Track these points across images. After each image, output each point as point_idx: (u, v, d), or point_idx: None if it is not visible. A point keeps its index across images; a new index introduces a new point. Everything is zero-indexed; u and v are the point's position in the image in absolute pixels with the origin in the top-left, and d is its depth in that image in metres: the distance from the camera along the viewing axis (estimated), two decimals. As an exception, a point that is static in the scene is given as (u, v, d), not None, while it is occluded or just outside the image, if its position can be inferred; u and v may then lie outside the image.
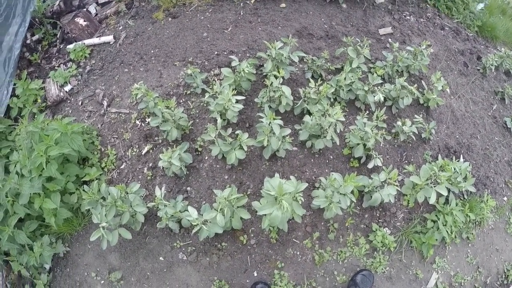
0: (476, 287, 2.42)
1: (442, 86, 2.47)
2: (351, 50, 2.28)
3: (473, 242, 2.48)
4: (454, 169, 2.25)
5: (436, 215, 2.32)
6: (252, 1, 2.77)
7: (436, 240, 2.25)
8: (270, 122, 1.84)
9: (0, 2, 2.53)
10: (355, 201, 1.95)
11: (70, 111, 2.55)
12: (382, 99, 2.18)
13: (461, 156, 2.57)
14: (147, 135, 2.25)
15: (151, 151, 2.22)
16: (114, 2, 3.07)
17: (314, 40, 2.58)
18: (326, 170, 2.14)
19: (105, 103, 2.46)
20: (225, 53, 2.42)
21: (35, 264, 2.05)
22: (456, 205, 2.36)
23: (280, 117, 1.87)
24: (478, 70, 3.12)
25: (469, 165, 2.33)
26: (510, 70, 3.32)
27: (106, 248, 1.88)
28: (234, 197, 1.75)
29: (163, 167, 2.11)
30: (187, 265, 2.01)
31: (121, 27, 2.84)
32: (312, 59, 2.34)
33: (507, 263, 2.59)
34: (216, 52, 2.44)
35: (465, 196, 2.51)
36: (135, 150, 2.24)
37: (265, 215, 1.65)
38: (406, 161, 2.37)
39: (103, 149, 2.31)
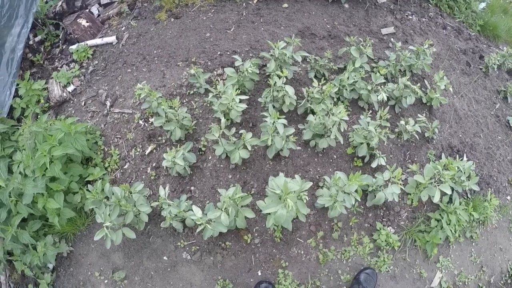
0: (480, 286, 2.41)
1: (445, 85, 2.47)
2: (354, 49, 2.29)
3: (477, 241, 2.47)
4: (458, 168, 2.24)
5: (440, 214, 2.31)
6: (254, 2, 2.78)
7: (440, 239, 2.24)
8: (274, 122, 1.85)
9: (3, 3, 2.54)
10: (359, 200, 1.95)
11: (73, 112, 2.55)
12: (385, 98, 2.18)
13: (465, 155, 2.57)
14: (151, 135, 2.25)
15: (154, 151, 2.22)
16: (116, 3, 3.07)
17: (317, 40, 2.58)
18: (330, 169, 2.14)
19: (108, 103, 2.47)
20: (228, 53, 2.43)
21: (39, 264, 2.05)
22: (460, 204, 2.35)
23: (284, 117, 1.87)
24: (481, 69, 3.12)
25: (473, 164, 2.33)
26: (512, 69, 3.32)
27: (109, 248, 1.88)
28: (239, 196, 1.75)
29: (166, 167, 2.11)
30: (191, 264, 2.01)
31: (123, 27, 2.84)
32: (315, 58, 2.34)
33: (511, 262, 2.58)
34: (219, 52, 2.44)
35: (469, 195, 2.51)
36: (138, 150, 2.24)
37: (270, 214, 1.65)
38: (410, 160, 2.37)
39: (106, 149, 2.31)
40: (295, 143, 2.01)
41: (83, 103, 2.55)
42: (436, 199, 2.04)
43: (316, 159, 2.16)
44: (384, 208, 2.21)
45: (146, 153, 2.22)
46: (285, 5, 2.77)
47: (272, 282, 1.97)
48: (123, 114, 2.38)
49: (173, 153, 1.96)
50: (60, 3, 3.09)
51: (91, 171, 2.23)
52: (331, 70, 2.42)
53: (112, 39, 2.80)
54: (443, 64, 2.89)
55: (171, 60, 2.49)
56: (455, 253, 2.38)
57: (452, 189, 2.32)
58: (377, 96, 2.18)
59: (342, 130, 1.95)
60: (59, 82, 2.68)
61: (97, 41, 2.85)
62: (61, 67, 2.87)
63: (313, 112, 2.04)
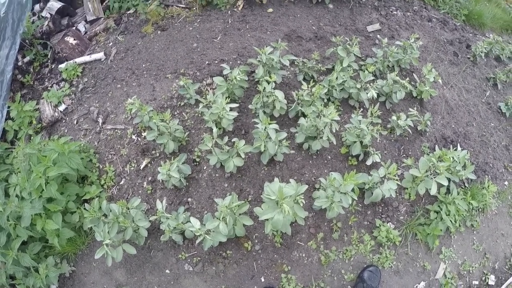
0: (485, 273, 2.41)
1: (434, 77, 2.49)
2: (341, 49, 2.30)
3: (478, 229, 2.48)
4: (453, 158, 2.25)
5: (438, 206, 2.32)
6: (239, 9, 2.79)
7: (441, 230, 2.24)
8: (265, 127, 1.85)
9: (-11, 27, 2.55)
10: (356, 199, 1.96)
11: (66, 131, 2.55)
12: (375, 95, 2.19)
13: (458, 144, 2.58)
14: (144, 149, 2.25)
15: (149, 165, 2.22)
16: (102, 19, 3.09)
17: (304, 42, 2.59)
18: (325, 171, 2.15)
19: (100, 120, 2.47)
20: (216, 62, 2.44)
21: (42, 286, 2.04)
22: (458, 194, 2.36)
23: (275, 122, 1.87)
24: (469, 58, 3.14)
25: (467, 153, 2.34)
26: (500, 56, 3.34)
27: (111, 265, 1.88)
28: (235, 205, 1.75)
29: (162, 180, 2.11)
30: (194, 276, 2.01)
31: (111, 43, 2.85)
32: (302, 61, 2.35)
33: None
34: (207, 62, 2.45)
35: (466, 184, 2.52)
36: (133, 165, 2.24)
37: (267, 219, 1.66)
38: (404, 155, 2.38)
39: (101, 166, 2.31)
40: (289, 147, 2.01)
41: (75, 122, 2.56)
42: (433, 191, 2.04)
43: (310, 162, 2.17)
44: (382, 205, 2.21)
45: (141, 167, 2.22)
46: (270, 10, 2.79)
47: (276, 287, 1.97)
48: (116, 130, 2.38)
49: (167, 166, 1.96)
50: (46, 23, 3.10)
51: (88, 189, 2.23)
52: (320, 71, 2.43)
53: (100, 55, 2.81)
54: (430, 56, 2.91)
55: (160, 73, 2.49)
56: (457, 243, 2.39)
57: (449, 180, 2.33)
58: (367, 93, 2.19)
59: (334, 131, 1.95)
60: (50, 102, 2.68)
61: (86, 58, 2.85)
62: (51, 86, 2.88)
63: (304, 115, 2.05)
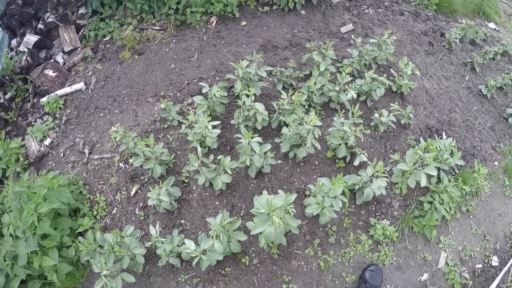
0: (487, 255, 2.42)
1: (412, 70, 2.52)
2: (316, 54, 2.33)
3: (474, 213, 2.48)
4: (438, 147, 2.27)
5: (431, 196, 2.33)
6: (213, 25, 2.82)
7: (437, 220, 2.25)
8: (249, 141, 1.86)
9: (-33, 68, 2.55)
10: (346, 201, 1.97)
11: (53, 165, 2.55)
12: (354, 95, 2.21)
13: (443, 133, 2.61)
14: (133, 176, 2.25)
15: (139, 191, 2.22)
16: (80, 48, 3.10)
17: (280, 51, 2.62)
18: (314, 176, 2.16)
19: (86, 151, 2.47)
20: (195, 81, 2.45)
21: (45, 324, 2.02)
22: (449, 181, 2.38)
23: (257, 134, 1.89)
24: (444, 46, 3.20)
25: (453, 140, 2.36)
26: (474, 40, 3.40)
27: (111, 297, 1.86)
28: (227, 222, 1.76)
29: (154, 205, 2.11)
30: (196, 297, 2.00)
31: (90, 72, 2.86)
32: (280, 70, 2.37)
33: None
34: (186, 82, 2.47)
35: (456, 171, 2.54)
36: (123, 192, 2.24)
37: (260, 233, 1.66)
38: (391, 151, 2.40)
39: (92, 197, 2.30)
40: (274, 157, 2.02)
41: (62, 155, 2.55)
42: (423, 183, 2.06)
43: (298, 169, 2.18)
44: (375, 203, 2.22)
45: (132, 194, 2.22)
46: (244, 22, 2.82)
47: (279, 299, 1.96)
48: (103, 159, 2.38)
49: (157, 191, 1.96)
50: (25, 57, 3.11)
51: (81, 221, 2.21)
52: (298, 78, 2.45)
53: (80, 85, 2.82)
54: (406, 49, 2.95)
55: (141, 97, 2.50)
56: (455, 230, 2.40)
57: (439, 169, 2.35)
58: (347, 95, 2.21)
59: (317, 136, 1.97)
60: (35, 137, 2.67)
61: (67, 89, 2.86)
62: (35, 121, 2.87)
63: (286, 124, 2.07)
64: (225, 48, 2.65)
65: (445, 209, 2.30)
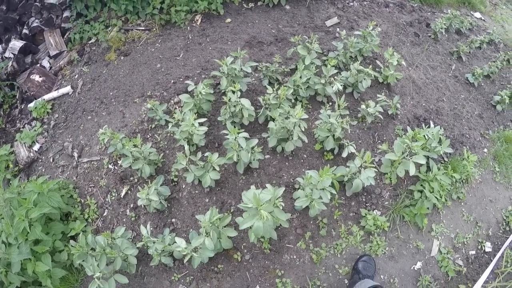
0: (480, 242, 2.43)
1: (397, 60, 2.53)
2: (301, 48, 2.33)
3: (465, 200, 2.50)
4: (426, 136, 2.29)
5: (421, 185, 2.34)
6: (198, 23, 2.81)
7: (428, 208, 2.27)
8: (235, 137, 1.86)
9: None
10: (335, 193, 1.97)
11: (43, 170, 2.53)
12: (340, 88, 2.22)
13: (431, 122, 2.62)
14: (122, 177, 2.24)
15: (129, 192, 2.21)
16: (65, 52, 3.08)
17: (265, 47, 2.62)
18: (303, 170, 2.17)
19: (75, 154, 2.45)
20: (181, 79, 2.45)
21: (41, 329, 2.01)
22: (439, 169, 2.38)
23: (243, 130, 1.89)
24: (430, 36, 3.22)
25: (441, 128, 2.37)
26: (460, 29, 3.43)
27: (105, 298, 1.85)
28: (216, 218, 1.76)
29: (144, 205, 2.10)
30: (190, 295, 2.00)
31: (76, 75, 2.84)
32: (266, 66, 2.38)
33: (504, 210, 2.61)
34: (172, 81, 2.46)
35: (445, 159, 2.55)
36: (113, 194, 2.23)
37: (250, 228, 1.66)
38: (380, 141, 2.41)
39: (83, 201, 2.29)
40: (262, 152, 2.03)
41: (51, 160, 2.53)
42: (412, 172, 2.06)
43: (287, 163, 2.18)
44: (365, 194, 2.23)
45: (122, 196, 2.21)
46: (228, 20, 2.82)
47: (273, 293, 1.97)
48: (92, 162, 2.37)
49: (146, 191, 1.96)
50: (10, 63, 3.08)
51: (72, 225, 2.21)
52: (284, 73, 2.46)
53: (67, 89, 2.80)
54: (392, 41, 2.97)
55: (128, 99, 2.49)
56: (446, 218, 2.41)
57: (428, 158, 2.36)
58: (332, 87, 2.22)
59: (303, 130, 1.97)
60: (24, 143, 2.66)
61: (54, 94, 2.84)
62: (23, 127, 2.85)
63: (273, 119, 2.07)
64: (211, 45, 2.64)
65: (436, 197, 2.31)
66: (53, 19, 3.13)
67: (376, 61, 2.65)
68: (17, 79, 3.08)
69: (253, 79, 2.43)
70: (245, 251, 2.01)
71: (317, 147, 2.23)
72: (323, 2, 3.07)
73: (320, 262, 2.06)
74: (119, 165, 2.27)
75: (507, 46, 3.66)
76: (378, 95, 2.44)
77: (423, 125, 2.51)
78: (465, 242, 2.39)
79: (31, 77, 2.93)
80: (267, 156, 2.16)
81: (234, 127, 1.98)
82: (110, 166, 2.31)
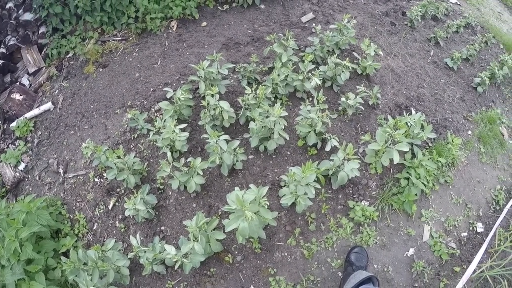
0: (471, 223, 2.46)
1: (375, 51, 2.55)
2: (277, 46, 2.34)
3: (453, 183, 2.52)
4: (408, 123, 2.31)
5: (407, 172, 2.35)
6: (174, 29, 2.81)
7: (416, 195, 2.28)
8: (216, 140, 1.87)
9: None
10: (321, 187, 1.98)
11: (30, 189, 2.52)
12: (319, 82, 2.23)
13: (412, 108, 2.65)
14: (109, 189, 2.24)
15: (117, 203, 2.20)
16: (44, 68, 3.06)
17: (242, 48, 2.63)
18: (288, 167, 2.17)
19: (61, 170, 2.44)
20: (160, 87, 2.45)
21: None
22: (424, 155, 2.41)
23: (223, 132, 1.89)
24: (406, 24, 3.24)
25: (422, 114, 2.38)
26: (436, 15, 3.46)
27: (100, 312, 1.85)
28: (203, 223, 1.76)
29: (132, 216, 2.10)
30: (185, 301, 2.00)
31: (56, 91, 2.83)
32: (243, 66, 2.38)
33: (493, 190, 2.64)
34: (151, 89, 2.46)
35: (430, 144, 2.57)
36: (101, 207, 2.22)
37: (236, 229, 1.67)
38: (362, 132, 2.43)
39: (72, 216, 2.28)
40: (245, 153, 2.03)
41: (37, 178, 2.52)
42: (396, 160, 2.07)
43: (271, 162, 2.19)
44: (351, 185, 2.25)
45: (110, 208, 2.21)
46: (204, 23, 2.82)
47: (267, 292, 1.98)
48: (78, 177, 2.36)
49: (132, 201, 1.96)
50: (-11, 83, 3.05)
51: (63, 242, 2.20)
52: (262, 72, 2.46)
53: (48, 105, 2.78)
54: (368, 32, 2.99)
55: (109, 110, 2.48)
56: (435, 202, 2.43)
57: (412, 144, 2.39)
58: (311, 82, 2.23)
59: (284, 127, 1.98)
60: (9, 163, 2.64)
61: (35, 111, 2.82)
62: (7, 147, 2.83)
63: (254, 119, 2.08)
64: (188, 50, 2.64)
65: (423, 183, 2.34)
66: (29, 35, 3.11)
67: (354, 53, 2.67)
68: (-2, 99, 3.05)
69: (232, 80, 2.43)
70: (236, 252, 2.02)
71: (300, 143, 2.25)
72: (298, -2, 3.09)
73: (312, 257, 2.07)
74: (105, 177, 2.26)
75: (484, 28, 3.70)
76: (357, 87, 2.46)
77: (405, 112, 2.53)
78: (456, 225, 2.41)
79: (11, 96, 2.91)
80: (250, 157, 2.17)
81: (216, 130, 1.99)
82: (96, 179, 2.30)
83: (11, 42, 3.09)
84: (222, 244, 1.93)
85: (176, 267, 1.78)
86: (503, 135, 2.97)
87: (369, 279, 1.78)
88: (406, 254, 2.22)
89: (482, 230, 2.50)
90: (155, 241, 2.02)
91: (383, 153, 2.18)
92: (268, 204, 1.69)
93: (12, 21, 3.07)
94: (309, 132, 2.13)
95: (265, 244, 2.03)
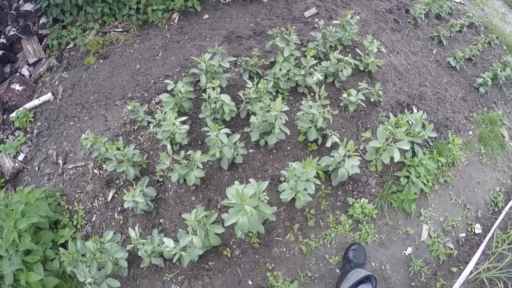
0: (469, 224, 2.46)
1: (377, 47, 2.53)
2: (279, 40, 2.32)
3: (452, 183, 2.52)
4: (409, 121, 2.29)
5: (407, 171, 2.35)
6: (176, 21, 2.78)
7: (415, 193, 2.28)
8: (217, 134, 1.86)
9: None
10: (320, 183, 1.98)
11: (29, 179, 2.51)
12: (320, 78, 2.21)
13: (414, 107, 2.64)
14: (108, 181, 2.23)
15: (116, 195, 2.20)
16: (44, 59, 3.03)
17: (244, 41, 2.61)
18: (288, 162, 2.17)
19: (60, 161, 2.43)
20: (161, 79, 2.43)
21: None
22: (424, 154, 2.40)
23: (223, 126, 1.88)
24: (410, 22, 3.22)
25: (424, 113, 2.37)
26: (440, 14, 3.44)
27: (98, 303, 1.85)
28: (202, 216, 1.76)
29: (131, 208, 2.10)
30: (182, 294, 2.00)
31: (56, 81, 2.81)
32: (245, 60, 2.36)
33: (492, 191, 2.64)
34: (152, 81, 2.44)
35: (430, 143, 2.57)
36: (101, 199, 2.22)
37: (236, 223, 1.66)
38: (363, 129, 2.42)
39: (70, 207, 2.28)
40: (245, 147, 2.02)
41: (37, 168, 2.51)
42: (397, 158, 2.06)
43: (271, 157, 2.18)
44: (351, 182, 2.24)
45: (109, 199, 2.20)
46: (206, 16, 2.80)
47: (265, 287, 1.98)
48: (78, 168, 2.35)
49: (131, 193, 1.95)
50: (-11, 74, 3.03)
51: (62, 233, 2.20)
52: (264, 66, 2.45)
53: (48, 96, 2.76)
54: (371, 28, 2.97)
55: (109, 102, 2.47)
56: (434, 202, 2.43)
57: (413, 143, 2.38)
58: (313, 78, 2.22)
59: (285, 122, 1.97)
60: (9, 154, 2.63)
61: (35, 102, 2.80)
62: (6, 138, 2.82)
63: (255, 113, 2.07)
64: (189, 43, 2.62)
65: (423, 182, 2.33)
66: (29, 26, 3.08)
67: (356, 49, 2.65)
68: (-3, 89, 3.02)
69: (234, 74, 2.42)
70: (235, 246, 2.02)
71: (301, 138, 2.24)
72: (301, -7, 3.06)
73: (310, 253, 2.07)
74: (104, 169, 2.25)
75: (488, 28, 3.68)
76: (359, 83, 2.44)
77: (406, 110, 2.53)
78: (455, 225, 2.41)
79: (11, 86, 2.89)
80: (251, 151, 2.16)
81: (216, 123, 1.97)
82: (95, 171, 2.29)
83: (11, 33, 3.06)
84: (220, 238, 1.93)
85: (174, 260, 1.78)
86: (504, 137, 2.96)
87: (367, 278, 1.78)
88: (404, 253, 2.22)
89: (480, 231, 2.50)
90: (153, 233, 2.02)
91: (384, 150, 2.17)
92: (268, 199, 1.68)
93: (12, 12, 3.04)
94: (310, 127, 2.11)
95: (264, 239, 2.03)
